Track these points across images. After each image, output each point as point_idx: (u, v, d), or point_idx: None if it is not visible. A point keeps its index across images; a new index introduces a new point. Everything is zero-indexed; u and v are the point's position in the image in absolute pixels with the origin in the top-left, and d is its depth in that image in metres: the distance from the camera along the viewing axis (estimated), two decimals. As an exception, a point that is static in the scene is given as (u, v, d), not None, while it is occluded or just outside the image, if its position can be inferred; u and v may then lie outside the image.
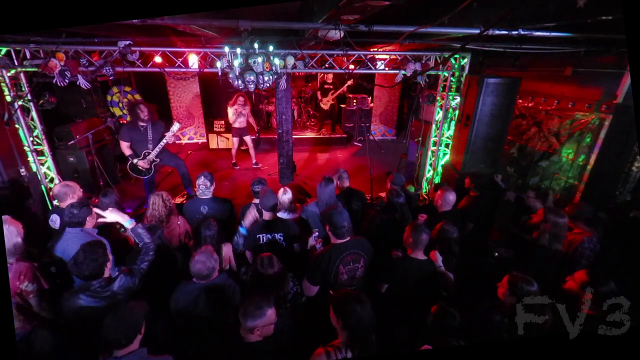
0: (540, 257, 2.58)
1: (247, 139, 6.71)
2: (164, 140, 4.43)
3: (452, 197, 3.07)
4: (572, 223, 2.75)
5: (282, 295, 2.22)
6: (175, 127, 4.44)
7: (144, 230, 2.35)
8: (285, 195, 3.14)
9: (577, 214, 2.74)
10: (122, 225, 2.55)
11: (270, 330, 1.82)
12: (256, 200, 3.38)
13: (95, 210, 2.51)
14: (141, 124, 4.39)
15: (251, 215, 2.86)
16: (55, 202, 4.43)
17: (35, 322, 2.22)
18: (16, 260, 2.24)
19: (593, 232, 2.69)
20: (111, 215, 2.40)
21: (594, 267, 2.63)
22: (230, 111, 6.34)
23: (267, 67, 3.26)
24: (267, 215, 2.85)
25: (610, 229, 3.13)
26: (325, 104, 8.58)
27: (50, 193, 3.03)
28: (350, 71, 4.52)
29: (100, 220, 2.45)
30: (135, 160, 4.43)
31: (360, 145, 8.59)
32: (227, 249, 2.79)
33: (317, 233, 2.69)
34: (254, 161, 6.85)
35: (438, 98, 5.11)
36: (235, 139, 6.72)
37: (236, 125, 6.51)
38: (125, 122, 6.36)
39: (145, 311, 1.78)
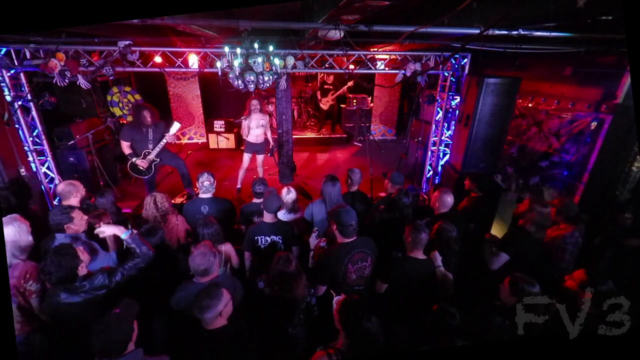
0: (525, 243, 2.67)
1: (260, 158, 5.38)
2: (164, 140, 4.43)
3: (449, 199, 3.02)
4: (556, 217, 2.82)
5: (298, 301, 2.20)
6: (175, 127, 4.43)
7: (139, 240, 2.34)
8: (288, 195, 3.15)
9: (561, 209, 2.80)
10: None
11: (230, 308, 1.89)
12: (256, 200, 3.38)
13: (97, 231, 2.47)
14: (143, 126, 4.39)
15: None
16: (55, 202, 4.46)
17: (35, 324, 2.22)
18: (26, 258, 2.27)
19: (574, 227, 2.73)
20: (108, 230, 2.40)
21: (578, 260, 2.69)
22: (245, 122, 5.01)
23: (267, 67, 3.26)
24: (268, 218, 2.85)
25: (609, 231, 3.14)
26: (325, 104, 8.58)
27: (57, 190, 3.06)
28: (350, 71, 4.52)
29: (101, 235, 2.44)
30: (134, 160, 4.43)
31: (360, 145, 8.59)
32: (227, 248, 2.79)
33: (316, 232, 2.68)
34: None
35: (438, 98, 5.11)
36: (247, 156, 5.27)
37: (251, 139, 5.11)
38: (125, 122, 6.36)
39: (134, 315, 1.77)
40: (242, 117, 5.05)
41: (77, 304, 2.03)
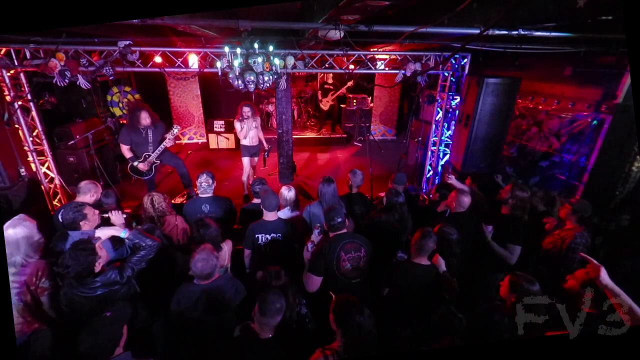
0: (516, 227, 2.84)
1: (255, 160, 5.41)
2: (164, 144, 4.43)
3: (467, 199, 3.01)
4: (566, 217, 2.79)
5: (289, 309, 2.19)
6: (175, 130, 4.46)
7: (140, 234, 2.34)
8: (289, 193, 3.17)
9: (576, 208, 2.75)
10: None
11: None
12: (256, 200, 3.38)
13: (97, 233, 2.49)
14: (141, 127, 4.38)
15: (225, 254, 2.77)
16: (55, 202, 4.46)
17: (37, 325, 2.21)
18: (39, 257, 2.30)
19: (584, 227, 2.71)
20: (104, 233, 2.40)
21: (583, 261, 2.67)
22: (238, 126, 5.01)
23: (267, 67, 3.26)
24: (268, 216, 2.85)
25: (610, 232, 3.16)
26: (325, 104, 8.58)
27: (79, 185, 3.14)
28: (350, 71, 4.52)
29: (100, 239, 2.44)
30: (135, 163, 4.43)
31: (360, 145, 8.59)
32: (228, 247, 2.80)
33: (319, 228, 2.68)
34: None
35: (438, 98, 5.11)
36: (246, 160, 5.24)
37: (246, 142, 5.09)
38: (125, 122, 6.36)
39: (125, 319, 1.76)
40: (235, 120, 5.04)
41: (93, 298, 2.07)
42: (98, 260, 2.11)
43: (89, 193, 3.06)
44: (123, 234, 2.34)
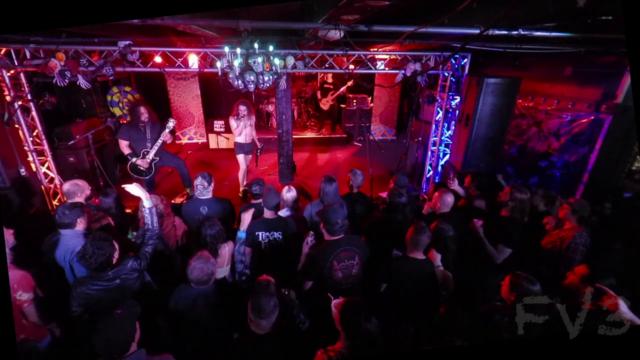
0: (515, 229, 2.80)
1: (248, 158, 5.48)
2: (162, 138, 4.43)
3: (450, 199, 3.00)
4: (565, 217, 2.79)
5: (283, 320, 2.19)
6: (171, 123, 4.41)
7: (155, 214, 2.42)
8: (289, 194, 3.16)
9: (576, 207, 2.74)
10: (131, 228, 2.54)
11: None
12: (254, 201, 3.37)
13: (125, 187, 2.55)
14: (140, 123, 4.39)
15: (248, 217, 2.79)
16: (55, 202, 4.46)
17: (22, 336, 2.18)
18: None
19: (583, 227, 2.71)
20: (134, 189, 2.46)
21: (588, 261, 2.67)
22: (234, 123, 5.10)
23: (267, 67, 3.26)
24: (268, 214, 2.85)
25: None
26: (325, 104, 8.58)
27: (63, 190, 3.09)
28: (350, 71, 4.52)
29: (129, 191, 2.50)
30: (134, 160, 4.43)
31: (360, 145, 8.59)
32: (229, 247, 2.79)
33: (312, 236, 2.63)
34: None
35: (438, 98, 5.11)
36: (241, 157, 5.37)
37: (240, 139, 5.23)
38: (125, 121, 6.36)
39: (135, 315, 1.77)
40: (231, 118, 5.14)
41: (111, 289, 2.10)
42: (115, 253, 2.13)
43: (75, 196, 2.99)
44: (148, 203, 2.43)
